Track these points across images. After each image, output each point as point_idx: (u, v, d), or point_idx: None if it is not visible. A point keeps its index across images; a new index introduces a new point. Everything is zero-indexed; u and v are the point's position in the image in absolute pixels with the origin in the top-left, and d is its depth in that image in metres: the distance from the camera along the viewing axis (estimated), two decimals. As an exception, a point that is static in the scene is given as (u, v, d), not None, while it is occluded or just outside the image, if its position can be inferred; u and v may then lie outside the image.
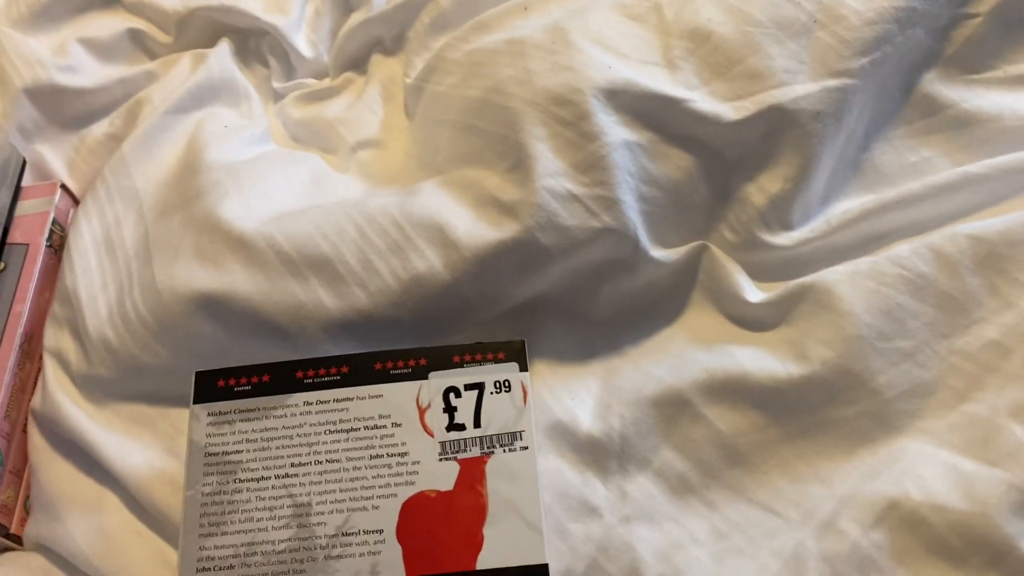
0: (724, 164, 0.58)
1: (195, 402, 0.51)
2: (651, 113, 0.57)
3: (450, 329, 0.57)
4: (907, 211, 0.56)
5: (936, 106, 0.60)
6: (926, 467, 0.49)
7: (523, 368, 0.51)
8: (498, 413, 0.51)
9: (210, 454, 0.49)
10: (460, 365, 0.52)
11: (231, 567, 0.47)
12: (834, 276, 0.54)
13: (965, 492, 0.47)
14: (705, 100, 0.57)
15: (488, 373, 0.52)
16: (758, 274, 0.58)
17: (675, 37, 0.59)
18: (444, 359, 0.52)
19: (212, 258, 0.56)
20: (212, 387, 0.51)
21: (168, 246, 0.58)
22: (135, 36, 0.76)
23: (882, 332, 0.52)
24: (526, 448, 0.50)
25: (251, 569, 0.47)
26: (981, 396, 0.49)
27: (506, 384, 0.51)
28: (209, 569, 0.47)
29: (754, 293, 0.56)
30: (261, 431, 0.50)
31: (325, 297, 0.54)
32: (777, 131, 0.56)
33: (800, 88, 0.56)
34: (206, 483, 0.49)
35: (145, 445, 0.56)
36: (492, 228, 0.55)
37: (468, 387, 0.51)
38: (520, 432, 0.50)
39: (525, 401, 0.51)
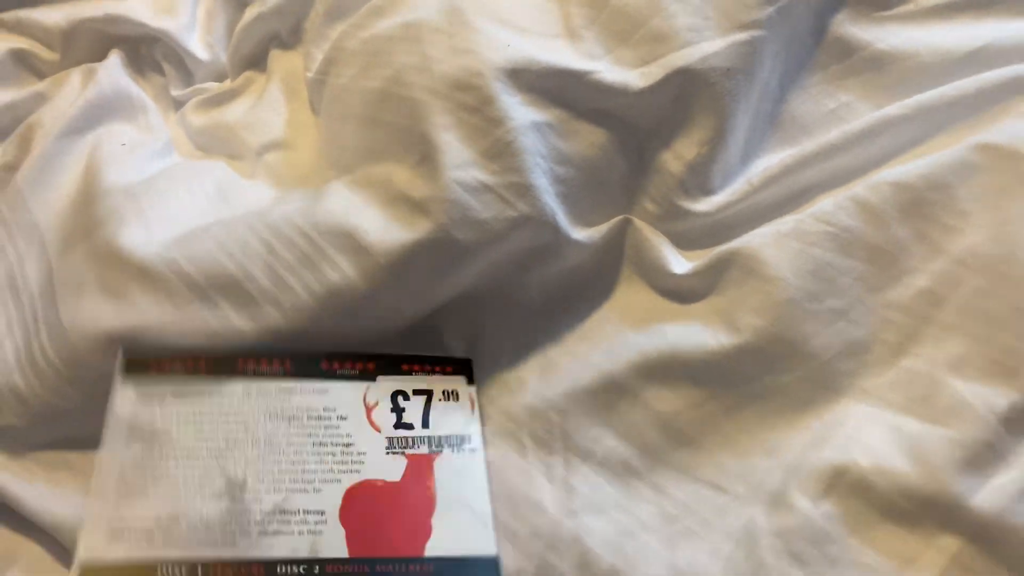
0: (638, 134, 0.56)
1: (123, 380, 0.49)
2: (557, 89, 0.55)
3: (376, 337, 0.55)
4: (828, 162, 0.54)
5: (849, 48, 0.58)
6: (870, 430, 0.48)
7: (470, 383, 0.53)
8: (446, 417, 0.51)
9: (135, 427, 0.48)
10: (408, 373, 0.52)
11: (150, 534, 0.45)
12: (758, 240, 0.52)
13: (911, 454, 0.46)
14: (611, 70, 0.55)
15: (436, 383, 0.52)
16: (685, 243, 0.56)
17: (574, 5, 0.57)
18: (392, 365, 0.52)
19: (117, 292, 0.53)
20: (142, 368, 0.49)
21: (73, 282, 0.55)
22: (19, 56, 0.72)
23: (812, 293, 0.50)
24: (474, 451, 0.51)
25: (173, 538, 0.45)
26: (918, 350, 0.48)
27: (454, 394, 0.52)
28: (122, 533, 0.45)
29: (680, 264, 0.54)
30: (195, 411, 0.49)
31: (238, 320, 0.52)
32: (688, 94, 0.54)
33: (707, 46, 0.54)
34: (128, 452, 0.47)
35: (69, 491, 0.53)
36: (405, 229, 0.52)
37: (416, 392, 0.52)
38: (469, 435, 0.51)
39: (473, 409, 0.52)
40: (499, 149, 0.53)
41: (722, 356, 0.51)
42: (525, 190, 0.52)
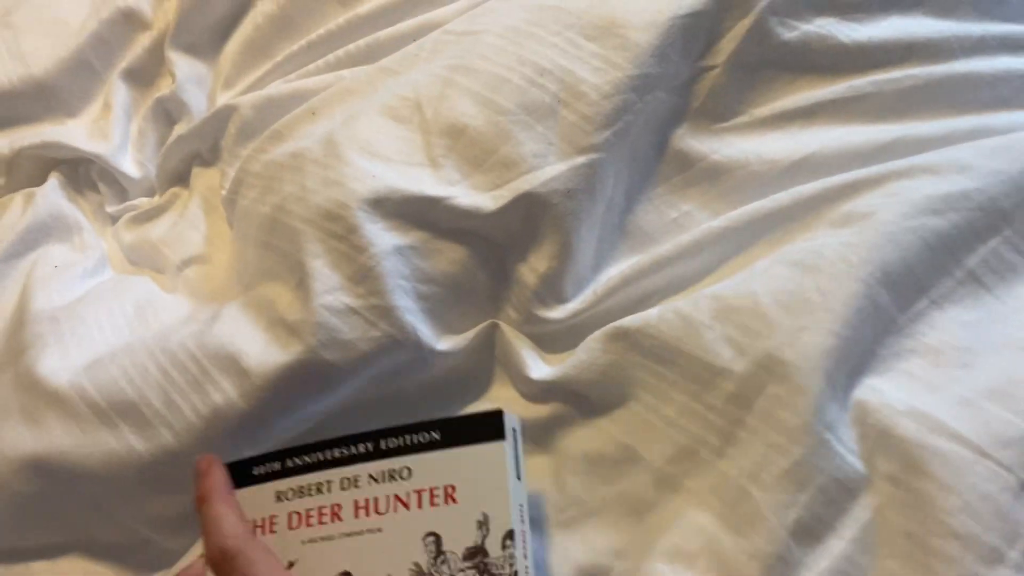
0: (496, 249, 0.61)
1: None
2: (417, 214, 0.60)
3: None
4: (663, 272, 0.59)
5: (689, 160, 0.63)
6: (691, 541, 0.51)
7: None
8: None
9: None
10: None
11: None
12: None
13: (722, 570, 0.49)
14: (466, 194, 0.60)
15: None
16: (547, 346, 0.61)
17: (435, 135, 0.62)
18: None
19: (34, 417, 0.60)
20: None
21: (1, 407, 0.62)
22: (-34, 183, 0.80)
23: (648, 404, 0.55)
24: None
25: None
26: (732, 452, 0.52)
27: None
28: None
29: (539, 368, 0.59)
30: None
31: (135, 442, 0.58)
32: (534, 214, 0.59)
33: (550, 170, 0.59)
34: None
35: None
36: (280, 351, 0.58)
37: None
38: None
39: None
40: (363, 274, 0.58)
41: None
42: (386, 311, 0.58)
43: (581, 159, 0.60)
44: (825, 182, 0.57)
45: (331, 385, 0.59)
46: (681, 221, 0.62)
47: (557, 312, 0.60)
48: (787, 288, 0.53)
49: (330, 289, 0.59)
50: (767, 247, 0.57)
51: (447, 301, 0.61)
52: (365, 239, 0.59)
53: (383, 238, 0.59)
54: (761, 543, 0.48)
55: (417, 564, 0.49)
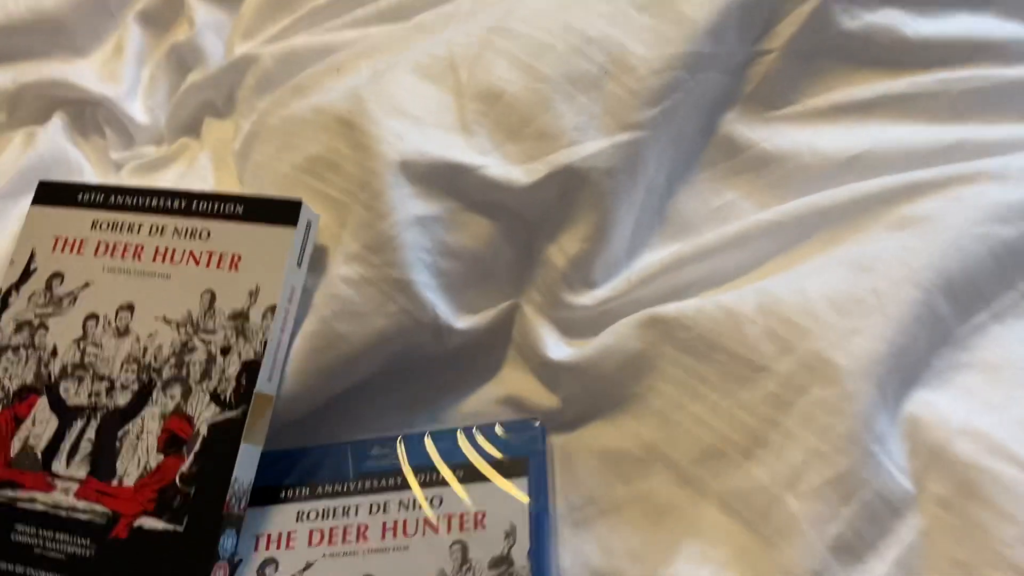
0: (526, 226, 0.58)
1: None
2: (445, 182, 0.56)
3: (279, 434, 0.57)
4: (704, 263, 0.56)
5: (737, 147, 0.59)
6: (719, 547, 0.48)
7: None
8: None
9: None
10: None
11: None
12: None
13: None
14: (498, 165, 0.56)
15: None
16: (570, 332, 0.58)
17: (468, 99, 0.58)
18: None
19: None
20: None
21: None
22: (-35, 117, 0.76)
23: (675, 401, 0.52)
24: None
25: None
26: (763, 455, 0.49)
27: None
28: None
29: (558, 350, 0.56)
30: None
31: None
32: (571, 191, 0.56)
33: (591, 146, 0.56)
34: None
35: None
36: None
37: None
38: None
39: None
40: (382, 243, 0.55)
41: None
42: (404, 285, 0.54)
43: (625, 136, 0.56)
44: (883, 181, 0.54)
45: (342, 358, 0.55)
46: (724, 210, 0.58)
47: (585, 298, 0.57)
48: (840, 288, 0.50)
49: (348, 258, 0.55)
50: (818, 245, 0.54)
51: (468, 278, 0.57)
52: (388, 205, 0.55)
53: (407, 205, 0.55)
54: (797, 557, 0.45)
55: (189, 312, 0.56)
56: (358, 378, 0.56)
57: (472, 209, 0.57)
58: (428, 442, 0.55)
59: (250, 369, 0.55)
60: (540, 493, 0.52)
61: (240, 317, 0.56)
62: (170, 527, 0.54)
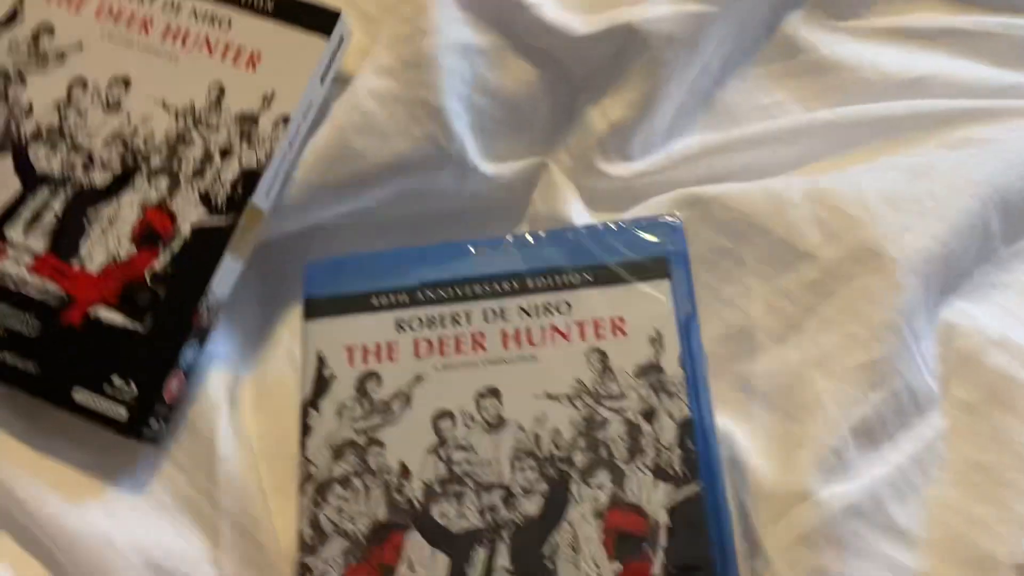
0: (569, 82, 0.54)
1: None
2: (496, 15, 0.53)
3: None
4: (748, 152, 0.53)
5: (797, 48, 0.57)
6: (728, 415, 0.47)
7: None
8: None
9: None
10: None
11: None
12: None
13: (765, 450, 0.45)
14: (555, 7, 0.53)
15: None
16: (593, 203, 0.54)
17: None
18: None
19: None
20: None
21: None
22: None
23: (703, 282, 0.49)
24: None
25: None
26: (797, 340, 0.47)
27: None
28: None
29: (582, 220, 0.52)
30: None
31: None
32: (627, 52, 0.53)
33: (657, 9, 0.53)
34: None
35: None
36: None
37: None
38: None
39: None
40: (419, 60, 0.50)
41: None
42: (435, 111, 0.50)
43: (693, 7, 0.53)
44: (943, 102, 0.53)
45: (354, 176, 0.50)
46: (771, 110, 0.56)
47: (619, 169, 0.53)
48: (896, 187, 0.48)
49: (377, 70, 0.50)
50: (871, 153, 0.52)
51: (501, 124, 0.53)
52: (432, 23, 0.51)
53: (452, 29, 0.51)
54: (818, 432, 0.44)
55: (192, 102, 0.51)
56: (364, 204, 0.52)
57: (519, 51, 0.53)
58: (546, 242, 0.48)
59: (249, 177, 0.50)
60: (686, 296, 0.45)
61: (248, 120, 0.51)
62: (130, 324, 0.48)
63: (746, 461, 0.45)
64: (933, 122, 0.53)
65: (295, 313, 0.51)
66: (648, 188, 0.53)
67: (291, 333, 0.53)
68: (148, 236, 0.50)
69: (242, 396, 0.51)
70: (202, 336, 0.50)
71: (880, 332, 0.45)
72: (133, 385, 0.47)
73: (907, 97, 0.54)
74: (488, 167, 0.53)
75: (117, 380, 0.48)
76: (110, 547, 0.44)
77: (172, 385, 0.48)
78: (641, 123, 0.53)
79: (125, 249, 0.50)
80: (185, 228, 0.50)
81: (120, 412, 0.47)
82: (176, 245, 0.50)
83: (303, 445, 0.45)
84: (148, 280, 0.49)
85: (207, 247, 0.49)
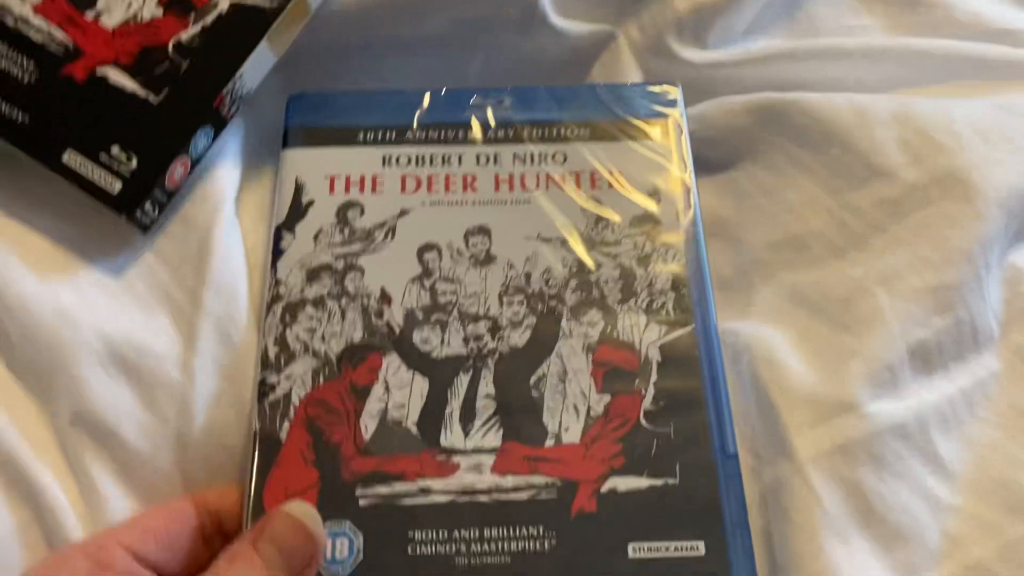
0: (661, -51, 0.50)
1: None
2: None
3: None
4: (833, 64, 0.51)
5: None
6: (774, 318, 0.44)
7: None
8: None
9: None
10: None
11: None
12: None
13: (807, 358, 0.42)
14: None
15: None
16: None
17: None
18: None
19: None
20: None
21: None
22: None
23: (763, 184, 0.47)
24: None
25: None
26: (858, 256, 0.44)
27: None
28: None
29: None
30: None
31: None
32: (727, -68, 0.49)
33: None
34: None
35: None
36: None
37: None
38: None
39: None
40: None
41: None
42: None
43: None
44: None
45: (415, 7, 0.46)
46: (856, 32, 0.54)
47: (692, 54, 0.50)
48: (988, 122, 0.46)
49: None
50: (961, 89, 0.50)
51: None
52: None
53: None
54: (875, 346, 0.41)
55: None
56: (416, 31, 0.48)
57: None
58: (548, 96, 0.47)
59: (303, -37, 0.45)
60: (681, 161, 0.45)
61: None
62: (142, 92, 0.43)
63: (786, 363, 0.42)
64: (1025, 71, 0.51)
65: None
66: (718, 83, 0.50)
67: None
68: (179, 1, 0.44)
69: (245, 202, 0.46)
70: (219, 125, 0.44)
71: (955, 257, 0.42)
72: (134, 160, 0.42)
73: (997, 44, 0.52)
74: (557, 20, 0.49)
75: (116, 150, 0.42)
76: (68, 324, 0.39)
77: (176, 170, 0.43)
78: (725, 12, 0.50)
79: (150, 10, 0.44)
80: (223, 2, 0.44)
81: (114, 184, 0.42)
82: (210, 18, 0.44)
83: (273, 267, 0.42)
84: (171, 49, 0.43)
85: (244, 27, 0.44)
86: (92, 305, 0.40)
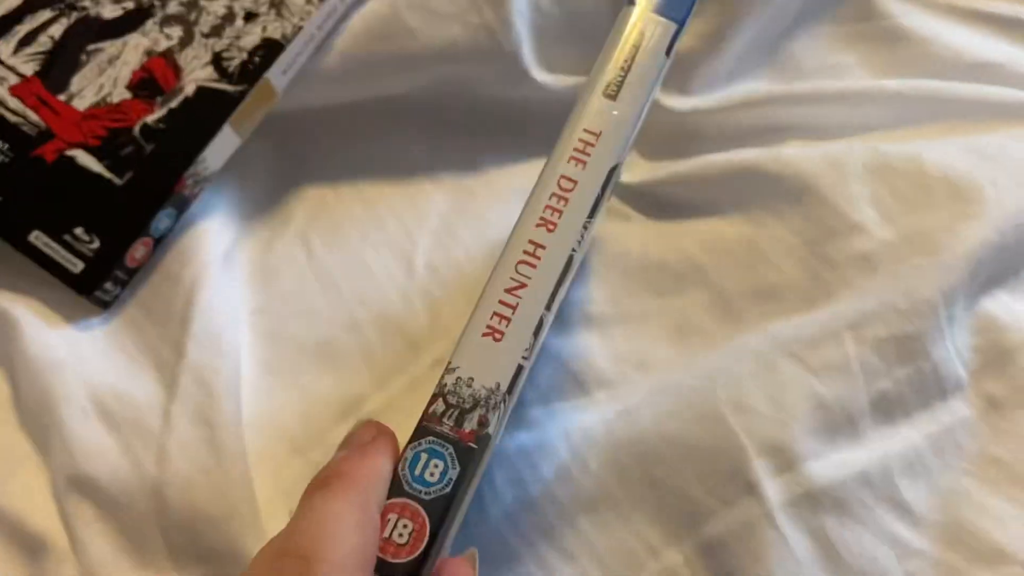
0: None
1: None
2: None
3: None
4: (813, 109, 0.49)
5: (873, 12, 0.53)
6: (743, 365, 0.43)
7: None
8: None
9: None
10: None
11: None
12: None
13: (772, 398, 0.42)
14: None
15: None
16: (640, 138, 0.51)
17: None
18: None
19: None
20: None
21: None
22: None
23: (745, 236, 0.46)
24: None
25: None
26: (828, 304, 0.44)
27: None
28: None
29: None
30: None
31: None
32: (703, -19, 0.49)
33: None
34: None
35: None
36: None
37: None
38: None
39: None
40: None
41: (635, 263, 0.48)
42: (499, 2, 0.47)
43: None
44: (1011, 92, 0.49)
45: (399, 55, 0.47)
46: (837, 71, 0.52)
47: (675, 102, 0.50)
48: (959, 168, 0.45)
49: None
50: (936, 130, 0.49)
51: (562, 32, 0.50)
52: None
53: None
54: (838, 393, 0.41)
55: None
56: (398, 88, 0.49)
57: None
58: None
59: (270, 49, 0.46)
60: None
61: (282, -13, 0.47)
62: (106, 173, 0.44)
63: (752, 406, 0.41)
64: (1004, 110, 0.49)
65: (309, 195, 0.50)
66: (702, 131, 0.50)
67: (304, 214, 0.50)
68: (147, 85, 0.46)
69: (240, 262, 0.48)
70: (181, 206, 0.45)
71: (921, 308, 0.42)
72: (96, 240, 0.43)
73: (975, 80, 0.50)
74: (540, 74, 0.49)
75: (80, 231, 0.43)
76: (58, 375, 0.42)
77: (137, 250, 0.44)
78: (707, 58, 0.50)
79: (119, 94, 0.45)
80: (189, 86, 0.45)
81: (76, 264, 0.43)
82: (176, 101, 0.45)
83: None
84: (137, 131, 0.45)
85: (208, 111, 0.45)
86: (80, 357, 0.43)
